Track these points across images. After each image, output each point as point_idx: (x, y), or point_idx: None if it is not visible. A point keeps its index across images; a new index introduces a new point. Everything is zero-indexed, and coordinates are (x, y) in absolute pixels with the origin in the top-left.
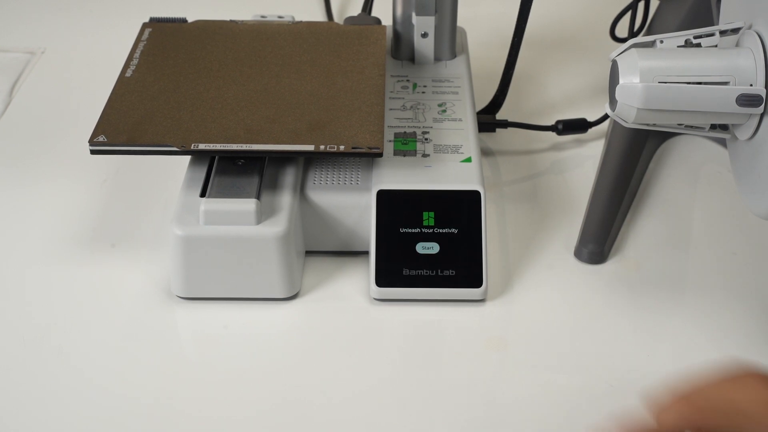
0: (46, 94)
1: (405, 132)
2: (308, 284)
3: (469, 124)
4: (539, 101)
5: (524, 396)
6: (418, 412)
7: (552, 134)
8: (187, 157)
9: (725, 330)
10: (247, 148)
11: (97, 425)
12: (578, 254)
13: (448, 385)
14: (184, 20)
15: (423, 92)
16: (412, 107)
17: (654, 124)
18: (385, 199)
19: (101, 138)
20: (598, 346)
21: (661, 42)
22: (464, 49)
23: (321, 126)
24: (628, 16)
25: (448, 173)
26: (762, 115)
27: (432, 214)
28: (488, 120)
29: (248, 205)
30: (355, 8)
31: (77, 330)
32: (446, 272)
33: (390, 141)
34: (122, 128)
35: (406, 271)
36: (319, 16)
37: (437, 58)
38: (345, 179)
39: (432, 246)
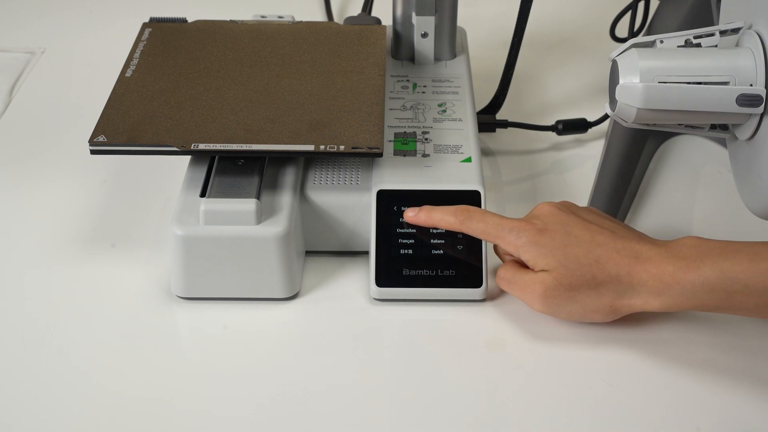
0: (46, 94)
1: (405, 132)
2: (308, 284)
3: (469, 124)
4: (539, 101)
5: (524, 396)
6: (418, 411)
7: (552, 134)
8: (187, 157)
9: (725, 329)
10: (247, 148)
11: (97, 425)
12: None
13: (448, 384)
14: (184, 20)
15: (423, 92)
16: (412, 107)
17: (654, 124)
18: (385, 199)
19: (101, 138)
20: (598, 347)
21: (661, 42)
22: (464, 49)
23: (321, 126)
24: (628, 16)
25: (448, 173)
26: (762, 115)
27: None
28: (488, 120)
29: (248, 205)
30: (355, 8)
31: (77, 330)
32: (446, 272)
33: (390, 141)
34: (122, 128)
35: (406, 271)
36: (319, 16)
37: (437, 58)
38: (345, 179)
39: (432, 246)
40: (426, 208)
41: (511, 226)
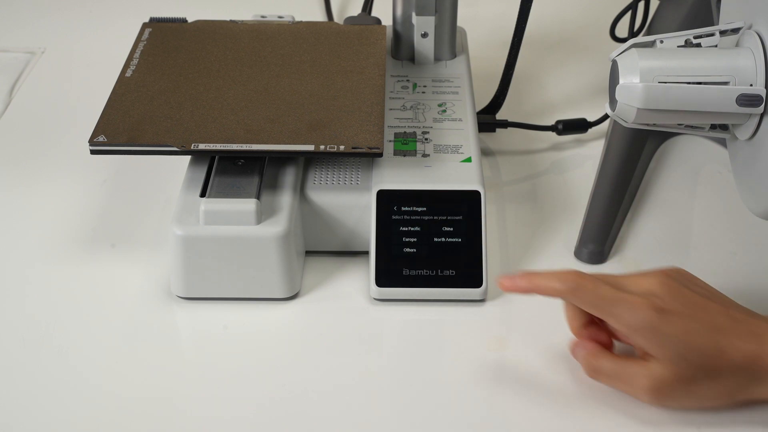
0: (46, 94)
1: (405, 132)
2: (308, 284)
3: (469, 124)
4: (539, 101)
5: (524, 396)
6: (418, 411)
7: (552, 134)
8: (187, 157)
9: None
10: (247, 148)
11: (96, 425)
12: (578, 254)
13: (448, 384)
14: (184, 20)
15: (423, 92)
16: (412, 107)
17: (654, 124)
18: (385, 199)
19: (101, 138)
20: None
21: (661, 42)
22: (464, 49)
23: (321, 126)
24: (628, 16)
25: (448, 173)
26: (762, 115)
27: (432, 214)
28: (488, 120)
29: (248, 205)
30: (355, 8)
31: (77, 330)
32: (446, 272)
33: (390, 141)
34: (122, 128)
35: (406, 271)
36: (319, 16)
37: (437, 58)
38: (345, 179)
39: (432, 246)
40: (526, 274)
41: (628, 303)
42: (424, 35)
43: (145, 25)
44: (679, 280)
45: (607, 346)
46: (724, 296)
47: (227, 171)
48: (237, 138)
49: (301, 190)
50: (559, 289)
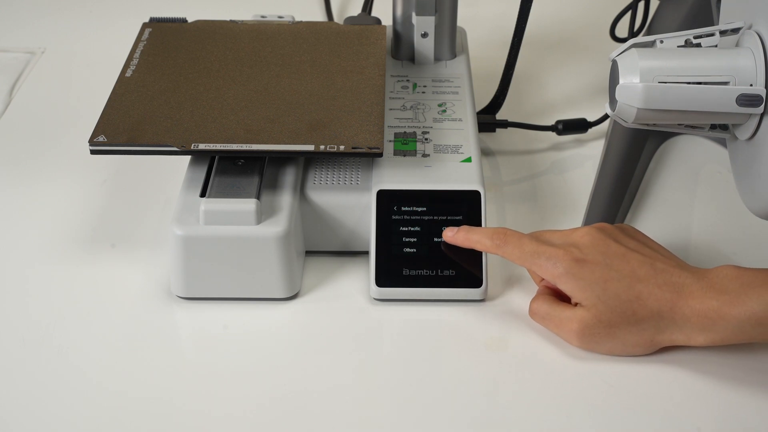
0: (46, 94)
1: (405, 132)
2: (308, 284)
3: (469, 124)
4: (539, 101)
5: (524, 396)
6: (418, 411)
7: (552, 134)
8: (187, 157)
9: None
10: (247, 148)
11: (97, 425)
12: None
13: (448, 385)
14: (184, 20)
15: (423, 92)
16: (412, 107)
17: (654, 124)
18: (385, 199)
19: (101, 138)
20: None
21: (661, 42)
22: (464, 49)
23: (321, 126)
24: (628, 16)
25: (448, 173)
26: (762, 115)
27: (432, 214)
28: (488, 120)
29: (248, 205)
30: (355, 8)
31: (77, 330)
32: (446, 272)
33: (390, 141)
34: (122, 128)
35: (406, 271)
36: (319, 16)
37: (437, 58)
38: (345, 179)
39: (432, 246)
40: (464, 228)
41: (548, 254)
42: (424, 35)
43: (145, 25)
44: (608, 233)
45: (563, 298)
46: (664, 251)
47: (227, 171)
48: (237, 138)
49: (301, 190)
50: (487, 245)
